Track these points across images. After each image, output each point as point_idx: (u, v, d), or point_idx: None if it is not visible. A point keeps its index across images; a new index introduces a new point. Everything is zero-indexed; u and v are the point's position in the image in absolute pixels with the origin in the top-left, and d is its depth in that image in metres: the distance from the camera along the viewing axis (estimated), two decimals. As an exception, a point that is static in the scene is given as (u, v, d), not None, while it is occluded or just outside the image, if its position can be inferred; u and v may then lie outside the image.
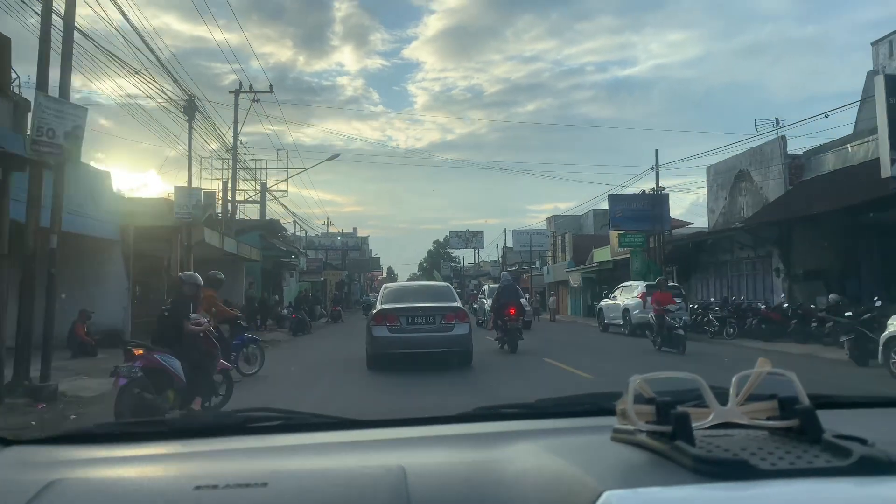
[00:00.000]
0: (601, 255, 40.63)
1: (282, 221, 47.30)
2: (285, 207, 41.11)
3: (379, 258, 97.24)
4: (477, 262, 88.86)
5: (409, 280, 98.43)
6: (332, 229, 59.45)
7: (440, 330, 12.32)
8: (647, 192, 30.86)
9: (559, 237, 57.09)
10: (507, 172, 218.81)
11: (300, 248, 43.23)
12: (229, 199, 30.76)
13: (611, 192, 31.37)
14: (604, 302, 27.32)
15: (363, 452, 1.32)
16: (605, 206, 59.36)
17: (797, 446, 0.99)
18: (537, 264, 60.30)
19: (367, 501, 1.01)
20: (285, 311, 29.38)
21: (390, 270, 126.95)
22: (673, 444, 0.97)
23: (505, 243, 69.00)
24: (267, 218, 34.64)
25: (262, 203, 42.01)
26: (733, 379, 1.11)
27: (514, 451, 1.20)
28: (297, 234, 44.30)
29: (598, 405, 1.55)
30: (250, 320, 26.14)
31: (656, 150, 30.55)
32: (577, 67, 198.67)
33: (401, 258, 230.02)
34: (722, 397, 1.09)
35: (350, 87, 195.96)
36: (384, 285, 16.14)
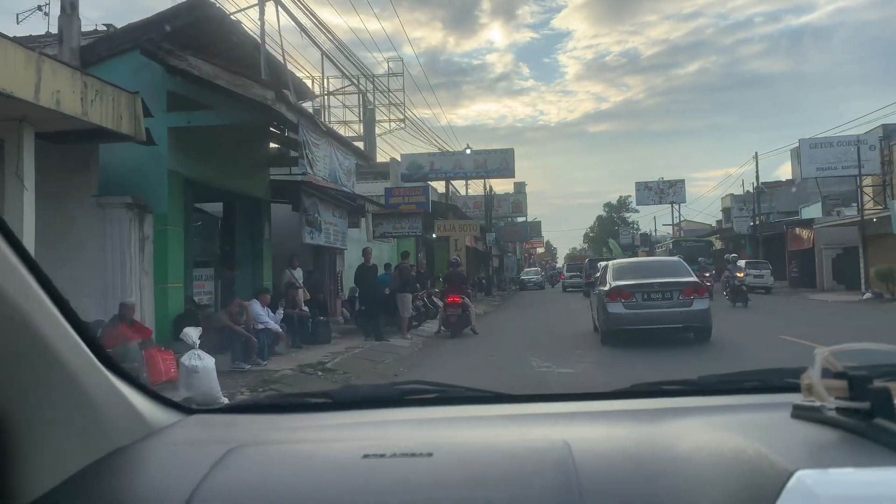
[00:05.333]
0: None
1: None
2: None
3: (540, 222, 72.97)
4: (677, 221, 63.73)
5: (569, 254, 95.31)
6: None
7: (678, 305, 11.72)
8: None
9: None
10: (668, 139, 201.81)
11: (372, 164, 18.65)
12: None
13: None
14: None
15: (522, 426, 1.30)
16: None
17: None
18: (804, 210, 34.26)
19: (533, 474, 1.01)
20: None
21: (548, 245, 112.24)
22: (871, 422, 0.91)
23: (756, 182, 41.61)
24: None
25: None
26: None
27: (681, 428, 1.15)
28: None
29: (768, 382, 1.49)
30: None
31: None
32: (743, 20, 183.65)
33: (557, 232, 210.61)
34: None
35: (500, 64, 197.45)
36: (609, 262, 15.47)
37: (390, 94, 27.79)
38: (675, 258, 16.72)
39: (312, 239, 13.87)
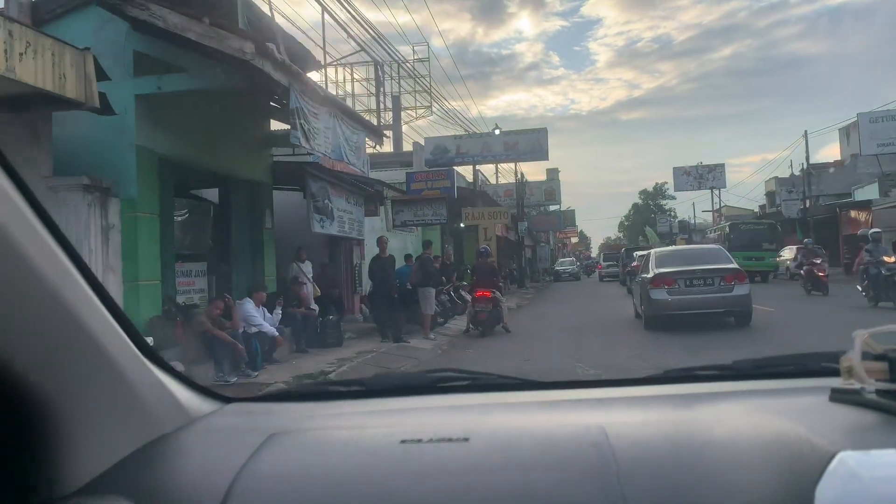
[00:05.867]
0: None
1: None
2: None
3: (574, 211, 70.81)
4: (717, 206, 61.86)
5: (604, 244, 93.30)
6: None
7: (720, 291, 11.93)
8: None
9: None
10: (702, 126, 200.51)
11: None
12: None
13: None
14: None
15: (556, 412, 1.30)
16: None
17: None
18: (857, 191, 32.13)
19: (571, 458, 1.01)
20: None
21: (582, 234, 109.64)
22: None
23: (806, 163, 39.07)
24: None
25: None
26: None
27: (717, 412, 1.16)
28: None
29: (804, 366, 1.46)
30: None
31: None
32: (778, 1, 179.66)
33: (591, 221, 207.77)
34: None
35: (529, 53, 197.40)
36: (653, 250, 15.52)
37: (418, 79, 26.30)
38: (717, 246, 16.45)
39: (323, 228, 12.28)
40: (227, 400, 1.43)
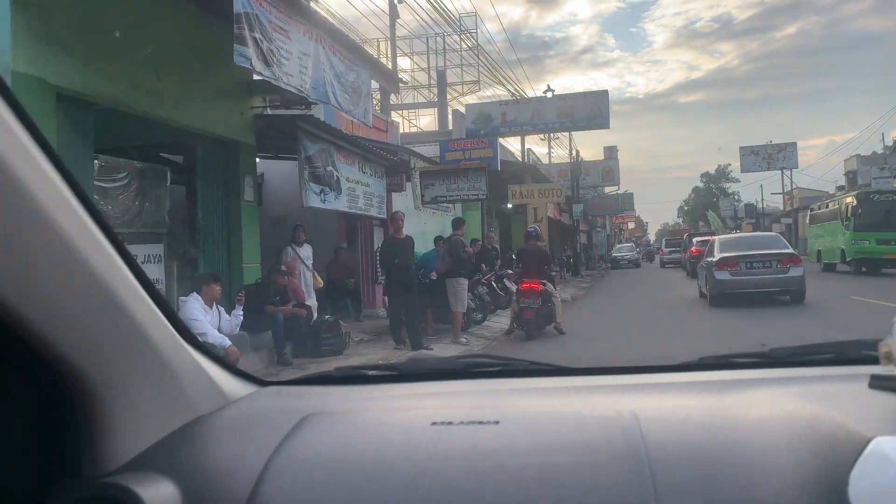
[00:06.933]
0: None
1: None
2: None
3: (632, 194, 66.69)
4: (788, 188, 57.75)
5: (661, 229, 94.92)
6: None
7: (777, 273, 13.45)
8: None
9: None
10: (765, 107, 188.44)
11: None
12: None
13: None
14: None
15: (587, 397, 1.31)
16: None
17: None
18: None
19: (600, 442, 1.01)
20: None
21: (639, 220, 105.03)
22: None
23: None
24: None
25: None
26: None
27: (752, 398, 1.14)
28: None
29: (844, 354, 1.45)
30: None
31: None
32: None
33: (647, 206, 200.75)
34: None
35: (584, 36, 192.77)
36: (716, 237, 17.66)
37: (471, 51, 23.94)
38: (775, 234, 17.89)
39: (325, 202, 9.62)
40: (263, 383, 1.45)
